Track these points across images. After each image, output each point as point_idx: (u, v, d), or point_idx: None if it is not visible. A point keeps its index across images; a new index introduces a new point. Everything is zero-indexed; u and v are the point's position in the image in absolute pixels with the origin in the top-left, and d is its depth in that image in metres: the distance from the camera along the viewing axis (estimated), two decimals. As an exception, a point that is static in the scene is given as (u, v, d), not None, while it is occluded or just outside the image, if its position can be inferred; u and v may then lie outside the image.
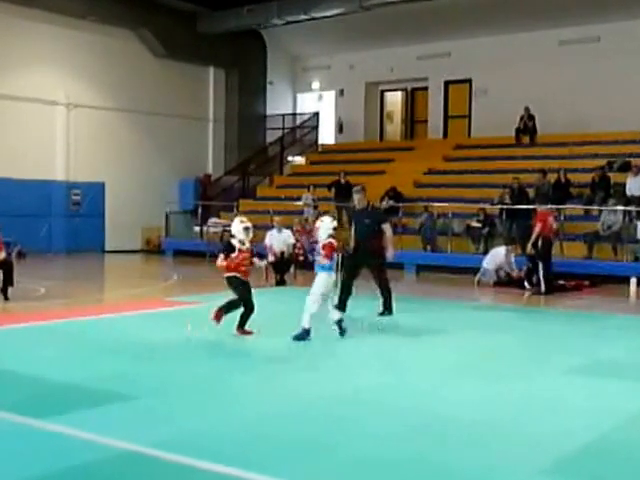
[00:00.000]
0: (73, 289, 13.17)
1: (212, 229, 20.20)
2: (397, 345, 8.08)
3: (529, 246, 13.33)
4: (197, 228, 21.35)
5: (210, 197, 23.24)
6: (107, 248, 21.60)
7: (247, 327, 8.21)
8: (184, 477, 4.18)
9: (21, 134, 19.82)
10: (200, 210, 21.80)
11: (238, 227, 8.30)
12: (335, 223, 8.44)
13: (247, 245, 8.30)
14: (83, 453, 4.43)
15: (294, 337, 7.95)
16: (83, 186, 21.15)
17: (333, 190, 19.36)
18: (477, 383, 6.37)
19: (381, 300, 9.87)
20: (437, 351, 7.95)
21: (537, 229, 13.17)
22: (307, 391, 6.05)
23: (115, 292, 13.86)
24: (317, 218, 18.48)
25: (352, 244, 10.09)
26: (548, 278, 13.13)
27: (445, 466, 4.33)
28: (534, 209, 16.91)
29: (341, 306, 9.39)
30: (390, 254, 9.88)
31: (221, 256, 8.27)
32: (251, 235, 8.38)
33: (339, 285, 9.59)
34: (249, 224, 8.39)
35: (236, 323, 8.21)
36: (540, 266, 13.16)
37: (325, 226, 8.27)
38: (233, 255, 8.19)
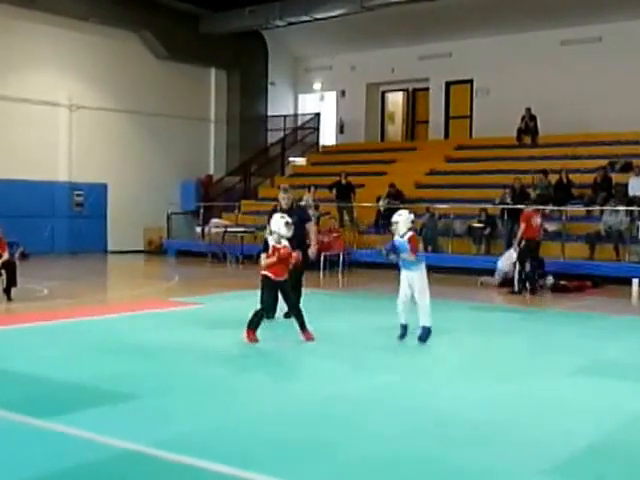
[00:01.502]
0: (76, 289, 13.18)
1: (214, 230, 20.23)
2: (398, 345, 8.08)
3: (514, 246, 13.47)
4: (199, 229, 21.37)
5: (212, 198, 23.28)
6: (109, 249, 21.64)
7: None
8: (185, 477, 4.18)
9: (24, 135, 19.85)
10: (202, 211, 21.83)
11: (279, 223, 7.84)
12: (412, 216, 8.08)
13: (284, 242, 7.85)
14: (84, 453, 4.44)
15: (420, 339, 7.82)
16: (86, 187, 21.19)
17: (334, 191, 19.38)
18: (478, 383, 6.37)
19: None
20: (438, 351, 7.95)
21: (521, 229, 13.34)
22: (307, 391, 6.06)
23: (117, 292, 13.88)
24: (318, 219, 18.65)
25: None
26: (533, 278, 13.25)
27: (446, 466, 4.33)
28: (536, 210, 16.96)
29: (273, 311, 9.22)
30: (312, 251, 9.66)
31: (263, 255, 7.87)
32: (291, 231, 7.91)
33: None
34: (289, 219, 7.96)
35: (298, 329, 7.97)
36: (517, 266, 13.27)
37: (404, 219, 7.91)
38: (265, 254, 7.81)
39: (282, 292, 8.01)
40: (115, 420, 5.07)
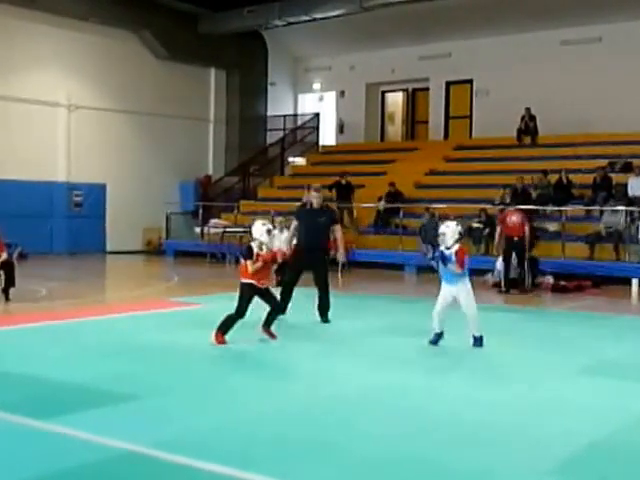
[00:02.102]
0: (74, 290, 13.16)
1: (213, 230, 20.20)
2: (398, 345, 8.06)
3: (496, 246, 13.72)
4: (198, 229, 21.35)
5: (211, 198, 23.25)
6: (108, 249, 21.60)
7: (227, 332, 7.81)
8: (184, 477, 4.17)
9: (23, 135, 19.82)
10: (201, 211, 21.81)
11: (260, 229, 7.84)
12: (460, 227, 7.92)
13: (265, 249, 7.82)
14: (84, 453, 4.42)
15: (475, 345, 7.79)
16: (84, 187, 21.16)
17: (334, 191, 19.34)
18: (479, 384, 6.35)
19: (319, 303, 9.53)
20: (439, 352, 7.93)
21: (498, 231, 13.67)
22: (307, 391, 6.04)
23: (116, 293, 13.85)
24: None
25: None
26: (520, 277, 13.41)
27: (447, 466, 4.31)
28: (535, 210, 16.96)
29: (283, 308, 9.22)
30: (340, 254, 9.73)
31: (249, 262, 7.75)
32: (273, 237, 8.00)
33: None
34: (270, 226, 7.97)
35: (262, 322, 7.98)
36: (502, 265, 13.45)
37: (452, 230, 7.72)
38: (250, 260, 7.73)
39: (262, 297, 7.93)
40: (115, 420, 5.05)
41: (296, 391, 6.07)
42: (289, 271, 9.67)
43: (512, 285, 13.44)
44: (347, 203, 19.14)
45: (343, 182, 19.33)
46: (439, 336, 7.97)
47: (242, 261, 7.93)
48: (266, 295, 7.96)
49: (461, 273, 7.70)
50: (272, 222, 15.27)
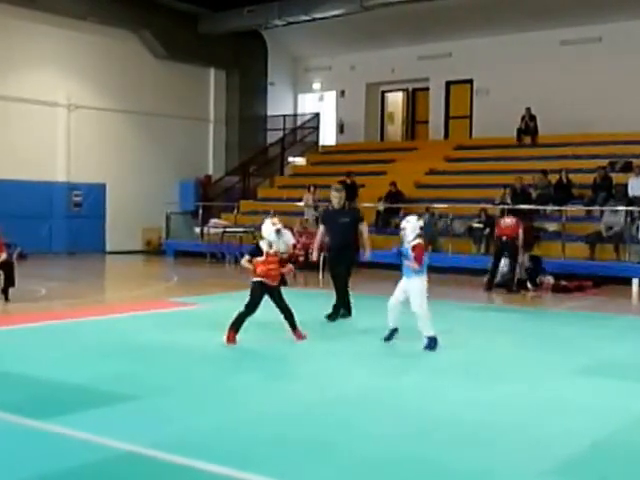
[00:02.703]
0: (74, 290, 13.15)
1: (213, 230, 20.19)
2: (398, 346, 8.05)
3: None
4: (198, 229, 21.32)
5: (211, 198, 23.24)
6: (108, 249, 21.59)
7: (241, 331, 7.85)
8: (185, 478, 4.16)
9: (22, 135, 19.80)
10: (201, 211, 21.80)
11: (269, 229, 7.84)
12: (422, 222, 7.96)
13: (274, 248, 7.85)
14: (83, 454, 4.42)
15: (426, 348, 7.66)
16: (84, 187, 21.14)
17: None
18: (478, 384, 6.34)
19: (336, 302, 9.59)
20: (439, 352, 7.91)
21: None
22: (307, 392, 6.03)
23: (116, 293, 13.84)
24: (318, 219, 18.54)
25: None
26: (492, 276, 13.53)
27: (447, 467, 4.30)
28: (536, 210, 16.96)
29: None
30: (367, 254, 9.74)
31: (246, 257, 7.88)
32: (283, 238, 7.95)
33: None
34: (280, 226, 7.92)
35: (288, 329, 7.99)
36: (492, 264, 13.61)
37: (412, 226, 7.73)
38: (261, 259, 7.77)
39: (272, 297, 7.94)
40: (115, 421, 5.05)
41: (296, 391, 6.06)
42: (334, 274, 9.72)
43: (520, 285, 13.50)
44: (351, 203, 19.00)
45: (348, 182, 19.23)
46: (393, 332, 7.95)
47: (246, 258, 7.94)
48: (275, 296, 7.94)
49: (418, 269, 7.62)
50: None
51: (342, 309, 9.58)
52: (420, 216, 17.26)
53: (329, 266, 9.99)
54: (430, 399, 5.85)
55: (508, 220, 13.64)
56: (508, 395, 5.96)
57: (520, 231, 13.37)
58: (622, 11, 19.65)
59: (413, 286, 7.65)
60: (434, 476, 4.20)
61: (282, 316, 7.98)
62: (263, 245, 7.84)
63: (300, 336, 7.99)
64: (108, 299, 12.95)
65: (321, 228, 9.97)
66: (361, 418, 5.25)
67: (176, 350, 7.54)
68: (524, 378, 6.62)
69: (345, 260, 9.57)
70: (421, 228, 7.79)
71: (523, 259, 13.74)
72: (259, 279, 7.79)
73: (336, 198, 9.72)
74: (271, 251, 7.83)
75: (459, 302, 12.36)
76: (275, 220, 8.06)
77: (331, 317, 9.48)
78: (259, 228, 8.33)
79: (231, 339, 7.72)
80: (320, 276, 13.76)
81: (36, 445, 4.57)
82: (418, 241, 7.66)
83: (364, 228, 9.80)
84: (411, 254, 7.59)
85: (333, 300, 9.68)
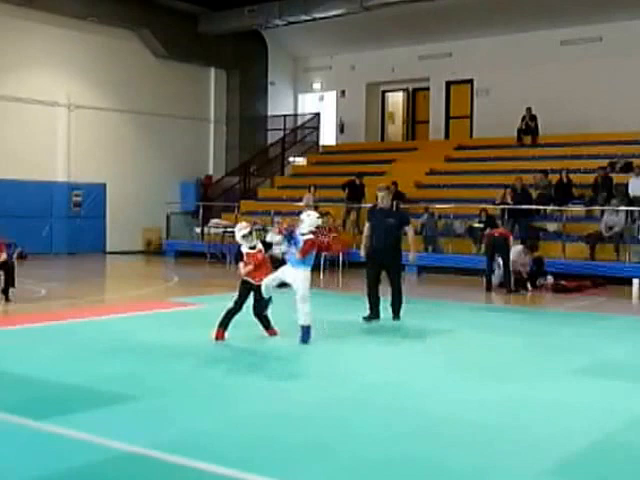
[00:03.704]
0: (74, 290, 13.15)
1: (213, 230, 20.18)
2: (398, 346, 8.05)
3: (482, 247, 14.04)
4: (198, 229, 21.33)
5: (211, 198, 23.23)
6: (108, 249, 21.58)
7: (229, 328, 8.09)
8: (184, 478, 4.15)
9: (22, 135, 19.80)
10: (201, 211, 21.79)
11: (237, 236, 8.19)
12: (320, 221, 8.23)
13: (258, 247, 8.15)
14: (83, 454, 4.41)
15: (302, 340, 7.81)
16: (84, 187, 21.14)
17: (347, 190, 19.13)
18: (478, 384, 6.34)
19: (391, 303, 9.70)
20: (438, 352, 7.92)
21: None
22: (307, 392, 6.03)
23: (116, 293, 13.83)
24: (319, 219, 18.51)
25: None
26: (489, 275, 13.69)
27: (445, 467, 4.30)
28: (536, 209, 16.96)
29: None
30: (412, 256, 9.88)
31: (241, 264, 8.14)
32: (254, 237, 8.21)
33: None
34: (246, 231, 8.11)
35: (261, 328, 8.22)
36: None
37: (310, 220, 8.01)
38: (242, 261, 8.10)
39: (255, 295, 8.14)
40: (114, 421, 5.04)
41: (295, 391, 6.05)
42: (367, 274, 9.71)
43: (519, 285, 13.56)
44: (358, 203, 18.94)
45: (357, 182, 19.15)
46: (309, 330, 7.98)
47: (242, 264, 8.22)
48: (258, 295, 8.13)
49: (301, 260, 7.83)
50: (271, 222, 15.32)
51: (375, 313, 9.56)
52: (421, 216, 17.53)
53: (370, 264, 9.72)
54: (428, 399, 5.84)
55: (500, 229, 14.22)
56: (507, 395, 5.96)
57: (510, 239, 13.55)
58: (622, 11, 19.64)
59: (298, 276, 7.85)
60: (433, 476, 4.19)
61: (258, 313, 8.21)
62: (244, 249, 8.17)
63: (274, 332, 8.24)
64: (108, 299, 12.95)
65: (367, 224, 9.87)
66: (359, 418, 5.25)
67: (176, 350, 7.54)
68: (523, 378, 6.61)
69: (388, 261, 9.55)
70: (317, 227, 8.11)
71: (521, 259, 13.77)
72: (245, 278, 8.10)
73: (382, 198, 9.68)
74: (253, 251, 8.10)
75: (459, 302, 12.37)
76: (244, 224, 8.35)
77: (395, 317, 9.59)
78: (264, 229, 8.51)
79: (220, 336, 7.94)
80: (321, 276, 13.78)
81: (36, 445, 4.56)
82: (310, 237, 7.92)
83: (410, 230, 9.91)
84: (300, 245, 7.84)
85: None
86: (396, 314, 9.64)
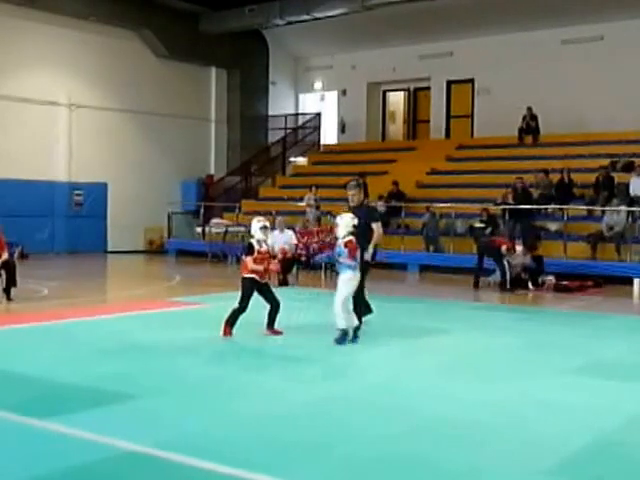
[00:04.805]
0: (76, 289, 13.15)
1: (214, 230, 20.20)
2: (398, 346, 8.05)
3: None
4: (199, 229, 21.35)
5: (212, 198, 23.25)
6: (109, 248, 21.60)
7: (234, 326, 8.13)
8: (185, 478, 4.15)
9: (23, 135, 19.82)
10: (202, 211, 21.81)
11: (255, 227, 8.16)
12: (356, 220, 8.07)
13: (264, 246, 8.18)
14: (84, 453, 4.41)
15: (336, 341, 7.78)
16: (85, 187, 21.16)
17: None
18: (478, 384, 6.34)
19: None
20: (438, 351, 7.92)
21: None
22: (307, 392, 6.03)
23: (118, 292, 13.84)
24: (319, 219, 18.54)
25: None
26: (477, 273, 14.01)
27: (443, 466, 4.30)
28: (538, 209, 16.95)
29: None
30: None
31: (249, 258, 8.08)
32: (269, 234, 8.31)
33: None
34: (266, 223, 8.25)
35: (265, 323, 8.24)
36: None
37: (345, 223, 7.95)
38: (251, 256, 8.06)
39: (261, 293, 8.19)
40: (115, 421, 5.04)
41: (294, 391, 6.05)
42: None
43: (519, 284, 13.62)
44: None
45: (360, 182, 19.13)
46: (356, 330, 7.97)
47: (244, 257, 8.24)
48: (265, 291, 8.20)
49: (350, 264, 7.82)
50: (272, 222, 15.31)
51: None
52: (423, 215, 17.54)
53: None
54: (427, 398, 5.84)
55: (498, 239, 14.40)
56: (505, 394, 5.95)
57: (504, 247, 13.64)
58: (623, 10, 19.63)
59: (342, 278, 7.85)
60: (431, 475, 4.19)
61: (268, 309, 8.20)
62: (254, 243, 8.13)
63: (277, 332, 8.23)
64: (110, 299, 12.96)
65: (379, 225, 9.16)
66: (358, 418, 5.24)
67: (177, 350, 7.54)
68: (522, 377, 6.60)
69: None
70: (354, 227, 7.99)
71: (517, 260, 13.80)
72: (250, 275, 8.07)
73: (350, 196, 9.12)
74: (262, 249, 8.11)
75: (459, 302, 12.36)
76: (261, 218, 8.37)
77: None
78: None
79: (227, 332, 8.04)
80: (322, 276, 13.79)
81: (36, 445, 4.56)
82: (350, 238, 7.88)
83: (376, 226, 9.00)
84: (344, 250, 7.82)
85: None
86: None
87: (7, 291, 11.02)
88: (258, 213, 19.31)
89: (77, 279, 15.48)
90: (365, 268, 8.69)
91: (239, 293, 8.13)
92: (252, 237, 8.25)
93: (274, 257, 8.68)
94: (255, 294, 8.15)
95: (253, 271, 8.03)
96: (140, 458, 4.35)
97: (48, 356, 7.19)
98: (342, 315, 7.79)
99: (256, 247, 8.07)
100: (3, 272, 11.10)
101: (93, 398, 5.62)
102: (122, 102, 22.01)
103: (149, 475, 4.18)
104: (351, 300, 7.94)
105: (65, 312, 10.12)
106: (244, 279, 8.09)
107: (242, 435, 4.83)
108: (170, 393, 5.86)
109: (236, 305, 8.06)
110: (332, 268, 16.82)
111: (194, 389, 6.01)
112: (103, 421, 5.01)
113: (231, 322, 8.05)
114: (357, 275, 7.90)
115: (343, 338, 7.81)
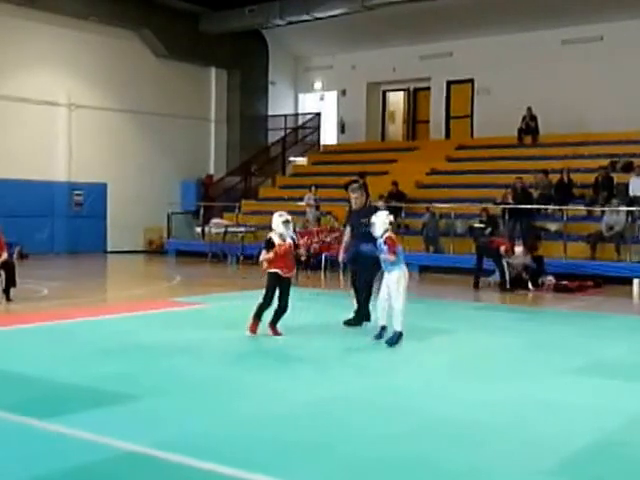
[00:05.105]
0: (75, 290, 13.14)
1: (214, 230, 20.20)
2: (399, 346, 8.04)
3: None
4: (199, 229, 21.34)
5: (212, 198, 23.24)
6: (109, 249, 21.60)
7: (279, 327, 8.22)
8: (185, 478, 4.16)
9: (23, 135, 19.81)
10: (202, 211, 21.81)
11: (277, 221, 8.16)
12: (391, 217, 8.01)
13: (288, 240, 8.17)
14: (84, 454, 4.41)
15: (388, 342, 7.74)
16: (85, 187, 21.15)
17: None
18: (478, 384, 6.34)
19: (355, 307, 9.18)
20: (438, 351, 7.92)
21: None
22: (308, 392, 6.03)
23: (118, 293, 13.84)
24: (319, 219, 18.52)
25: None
26: (477, 273, 14.10)
27: (444, 466, 4.30)
28: (537, 209, 16.95)
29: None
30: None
31: (263, 252, 8.16)
32: (291, 229, 8.26)
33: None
34: (289, 217, 8.23)
35: (269, 320, 8.25)
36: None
37: (381, 221, 7.90)
38: (272, 252, 8.07)
39: (280, 289, 8.17)
40: (115, 421, 5.04)
41: (294, 391, 6.05)
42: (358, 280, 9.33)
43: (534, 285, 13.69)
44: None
45: (361, 182, 19.13)
46: (382, 330, 7.98)
47: (264, 252, 8.20)
48: (283, 289, 8.19)
49: (395, 261, 7.76)
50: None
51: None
52: (422, 216, 17.54)
53: (351, 272, 9.40)
54: (428, 398, 5.84)
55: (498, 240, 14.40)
56: (507, 394, 5.95)
57: (503, 247, 13.64)
58: (623, 10, 19.63)
59: (392, 280, 7.80)
60: (432, 476, 4.19)
61: (276, 306, 8.21)
62: (275, 238, 8.12)
63: (277, 333, 8.24)
64: (110, 299, 12.95)
65: (348, 230, 9.25)
66: (358, 418, 5.25)
67: (177, 350, 7.54)
68: (522, 378, 6.60)
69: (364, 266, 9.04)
70: (390, 223, 7.95)
71: (518, 260, 13.81)
72: (274, 270, 8.10)
73: (353, 199, 9.15)
74: (285, 243, 8.11)
75: (458, 302, 12.37)
76: (283, 212, 8.34)
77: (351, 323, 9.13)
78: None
79: (253, 329, 8.12)
80: (322, 276, 13.80)
81: (36, 445, 4.56)
82: (388, 234, 7.83)
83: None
84: (384, 247, 7.76)
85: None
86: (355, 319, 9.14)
87: (7, 291, 11.01)
88: (258, 213, 19.39)
89: (77, 279, 15.48)
90: (375, 270, 8.65)
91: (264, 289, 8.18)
92: (272, 231, 8.22)
93: (297, 247, 8.55)
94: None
95: (276, 265, 8.04)
96: (140, 458, 4.35)
97: (48, 356, 7.19)
98: (400, 318, 7.75)
99: (278, 241, 8.09)
100: (2, 272, 11.09)
101: (93, 398, 5.62)
102: (122, 102, 22.01)
103: (149, 475, 4.18)
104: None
105: (65, 312, 10.11)
106: (268, 274, 8.15)
107: (242, 435, 4.83)
108: (170, 393, 5.86)
109: (260, 300, 8.14)
110: (332, 268, 16.88)
111: (194, 389, 6.01)
112: (103, 421, 5.01)
113: (258, 318, 8.10)
114: (404, 270, 7.84)
115: (397, 340, 7.74)
